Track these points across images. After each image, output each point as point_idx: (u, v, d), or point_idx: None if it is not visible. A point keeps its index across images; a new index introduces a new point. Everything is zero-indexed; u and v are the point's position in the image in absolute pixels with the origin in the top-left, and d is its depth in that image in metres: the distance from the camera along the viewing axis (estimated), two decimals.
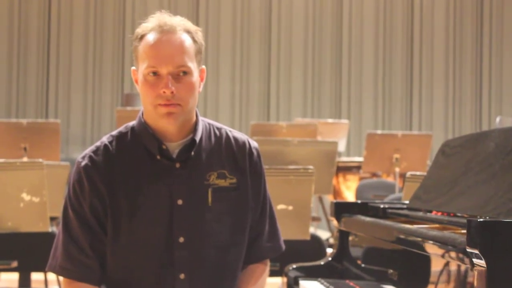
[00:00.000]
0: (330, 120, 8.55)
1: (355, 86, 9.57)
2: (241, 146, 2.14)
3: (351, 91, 9.56)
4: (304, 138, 5.74)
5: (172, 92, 1.94)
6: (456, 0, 9.78)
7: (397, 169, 6.19)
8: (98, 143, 2.08)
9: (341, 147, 7.27)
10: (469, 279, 1.73)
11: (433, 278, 1.96)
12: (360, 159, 6.92)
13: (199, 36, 2.04)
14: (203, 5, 9.33)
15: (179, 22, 2.02)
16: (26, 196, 3.69)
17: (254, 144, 2.19)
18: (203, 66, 2.08)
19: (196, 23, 9.10)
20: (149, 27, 2.01)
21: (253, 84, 9.37)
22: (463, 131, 9.57)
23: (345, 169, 6.95)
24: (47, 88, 9.05)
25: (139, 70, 2.02)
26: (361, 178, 6.90)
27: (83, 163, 2.04)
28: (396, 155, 6.20)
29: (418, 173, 3.82)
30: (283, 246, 2.25)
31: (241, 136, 2.18)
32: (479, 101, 9.79)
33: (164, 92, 1.94)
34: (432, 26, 9.73)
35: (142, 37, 2.01)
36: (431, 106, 9.68)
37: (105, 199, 2.01)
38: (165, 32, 1.99)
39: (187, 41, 2.00)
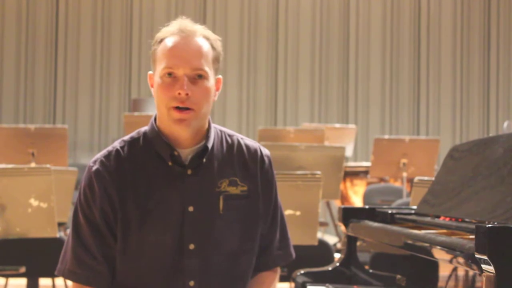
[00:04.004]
0: (337, 125, 8.55)
1: (362, 91, 9.56)
2: (253, 154, 2.14)
3: (358, 96, 9.56)
4: (312, 143, 5.74)
5: (187, 94, 1.95)
6: (464, 6, 9.77)
7: (404, 174, 6.18)
8: (110, 148, 2.08)
9: (349, 152, 7.27)
10: (478, 284, 1.72)
11: (441, 283, 1.95)
12: (368, 164, 6.92)
13: (218, 45, 2.06)
14: (210, 11, 9.35)
15: (200, 28, 2.04)
16: (34, 202, 3.70)
17: (266, 152, 2.17)
18: (220, 76, 2.09)
19: None
20: (169, 31, 2.02)
21: (261, 90, 9.38)
22: (471, 136, 9.56)
23: (352, 174, 6.95)
24: (54, 94, 9.07)
25: (156, 73, 2.01)
26: (368, 183, 6.90)
27: (94, 168, 2.03)
28: (404, 160, 6.19)
29: (425, 178, 3.81)
30: (294, 254, 2.24)
31: (253, 144, 2.17)
32: (487, 105, 9.77)
33: (179, 93, 1.94)
34: (440, 30, 9.72)
35: (161, 40, 2.02)
36: (438, 110, 9.67)
37: (116, 204, 2.00)
38: (184, 35, 2.00)
39: (205, 46, 2.01)
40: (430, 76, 9.69)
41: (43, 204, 3.70)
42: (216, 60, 2.04)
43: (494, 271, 1.59)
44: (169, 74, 1.97)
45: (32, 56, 9.06)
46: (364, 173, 6.94)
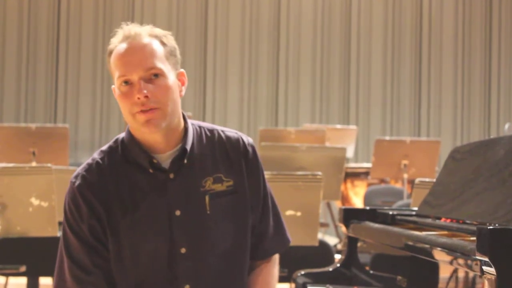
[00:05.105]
0: (338, 126, 8.54)
1: (364, 91, 9.56)
2: (235, 145, 2.09)
3: (359, 97, 9.56)
4: (312, 144, 5.74)
5: (146, 96, 1.91)
6: (465, 7, 9.77)
7: (405, 175, 6.18)
8: (89, 161, 2.05)
9: (349, 153, 7.26)
10: (478, 286, 1.72)
11: (442, 285, 1.95)
12: (368, 165, 6.91)
13: (169, 39, 2.02)
14: (211, 10, 9.35)
15: (146, 29, 2.00)
16: (34, 201, 3.69)
17: (248, 140, 2.13)
18: (182, 70, 2.05)
19: (205, 29, 9.06)
20: (116, 41, 1.99)
21: (262, 90, 9.38)
22: (472, 137, 9.55)
23: (353, 175, 6.94)
24: (55, 93, 9.08)
25: (115, 85, 1.98)
26: (369, 184, 6.89)
27: (77, 183, 2.01)
28: (405, 161, 6.19)
29: (426, 179, 3.80)
30: (290, 239, 2.21)
31: (234, 134, 2.12)
32: (488, 107, 9.77)
33: (138, 98, 1.91)
34: (441, 31, 9.72)
35: (111, 51, 1.99)
36: (439, 112, 9.67)
37: (103, 217, 1.98)
38: (131, 40, 1.96)
39: (155, 44, 1.97)
40: (431, 77, 9.68)
41: (44, 203, 3.70)
42: (170, 54, 2.00)
43: (495, 273, 1.59)
44: (125, 82, 1.93)
45: (33, 55, 9.07)
46: (365, 174, 6.93)
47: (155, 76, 1.94)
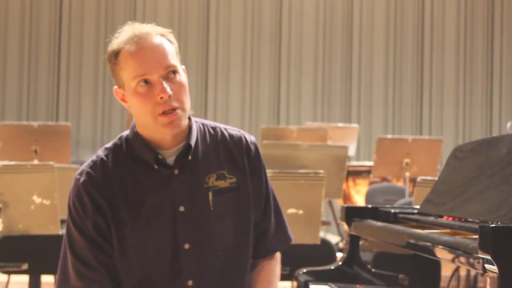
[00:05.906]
0: (340, 124, 8.54)
1: (365, 90, 9.56)
2: (238, 143, 2.10)
3: (361, 95, 9.56)
4: (314, 142, 5.75)
5: (169, 96, 1.91)
6: (467, 5, 9.76)
7: (407, 174, 6.18)
8: (94, 158, 2.05)
9: (351, 151, 7.27)
10: (480, 285, 1.72)
11: (444, 283, 1.95)
12: (370, 163, 6.92)
13: (173, 37, 2.02)
14: (213, 9, 9.34)
15: (152, 28, 1.99)
16: (36, 199, 3.70)
17: (251, 139, 2.14)
18: (183, 66, 2.05)
19: (207, 28, 9.06)
20: (123, 40, 1.96)
21: (263, 88, 9.38)
22: (474, 135, 9.55)
23: (355, 174, 6.94)
24: (57, 91, 9.08)
25: (126, 86, 1.96)
26: (371, 183, 6.90)
27: (81, 180, 2.01)
28: (406, 160, 6.19)
29: (428, 177, 3.80)
30: (291, 237, 2.22)
31: (237, 132, 2.13)
32: (490, 105, 9.76)
33: (161, 97, 1.90)
34: (443, 30, 9.71)
35: (118, 52, 1.96)
36: (441, 110, 9.66)
37: (107, 214, 1.98)
38: (142, 39, 1.95)
39: (165, 42, 1.97)
40: (433, 76, 9.68)
41: (46, 201, 3.70)
42: (177, 52, 2.00)
43: (497, 271, 1.59)
44: (145, 81, 1.92)
45: (35, 53, 9.07)
46: (367, 172, 6.94)
47: (173, 73, 1.95)
